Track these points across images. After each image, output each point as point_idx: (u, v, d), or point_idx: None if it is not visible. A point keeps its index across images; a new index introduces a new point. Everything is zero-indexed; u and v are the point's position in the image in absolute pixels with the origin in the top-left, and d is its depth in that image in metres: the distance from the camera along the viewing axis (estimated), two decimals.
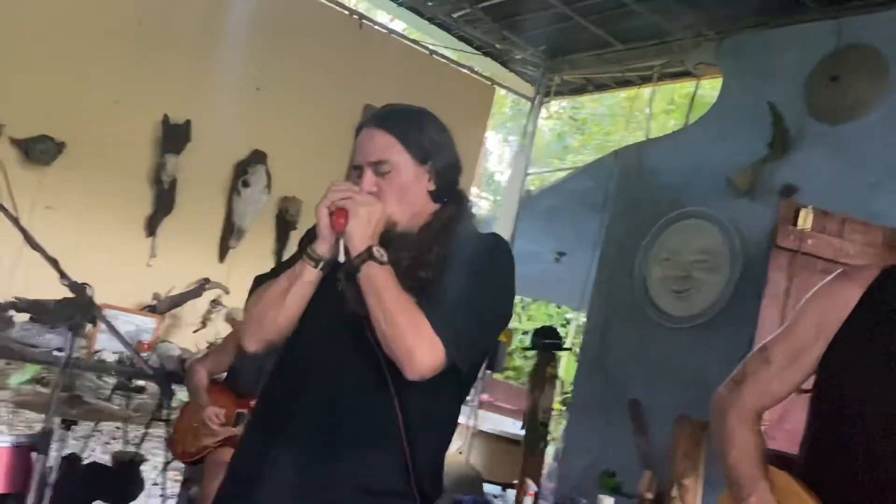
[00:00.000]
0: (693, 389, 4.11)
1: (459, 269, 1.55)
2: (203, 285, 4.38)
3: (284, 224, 4.91)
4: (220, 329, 4.40)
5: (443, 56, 5.71)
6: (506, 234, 5.44)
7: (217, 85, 4.58)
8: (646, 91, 5.77)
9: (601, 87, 6.23)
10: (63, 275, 2.07)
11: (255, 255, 4.89)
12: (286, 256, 5.39)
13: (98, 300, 4.20)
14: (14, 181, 4.11)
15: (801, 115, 4.09)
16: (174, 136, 4.43)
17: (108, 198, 4.37)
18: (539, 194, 5.96)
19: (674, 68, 5.29)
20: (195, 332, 4.43)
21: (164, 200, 4.47)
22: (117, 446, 5.12)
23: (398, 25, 6.18)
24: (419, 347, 1.46)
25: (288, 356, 1.65)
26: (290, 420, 1.56)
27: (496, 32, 5.57)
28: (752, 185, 4.21)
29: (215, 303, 4.41)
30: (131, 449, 4.14)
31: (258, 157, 4.76)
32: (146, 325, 3.92)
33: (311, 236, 1.78)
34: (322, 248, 1.54)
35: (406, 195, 1.58)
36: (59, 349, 3.57)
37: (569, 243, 6.07)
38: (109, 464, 3.79)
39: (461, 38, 5.77)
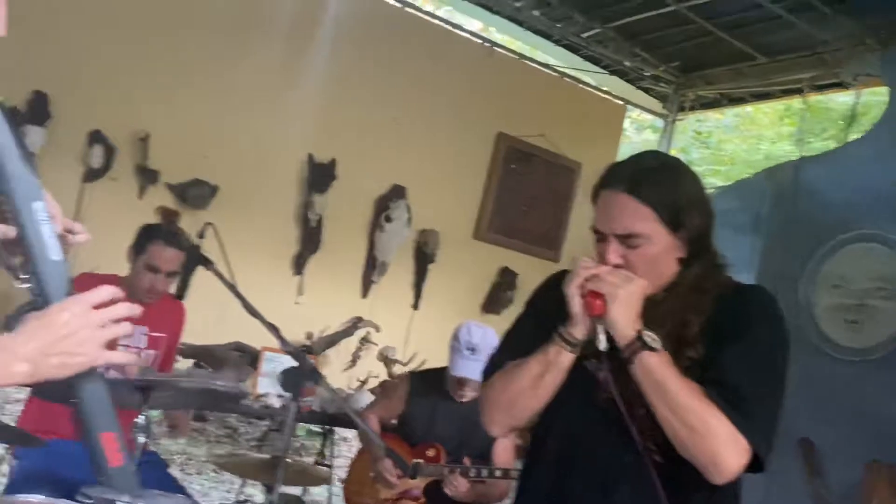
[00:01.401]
0: (869, 428, 3.81)
1: (731, 338, 1.40)
2: (356, 323, 4.37)
3: (423, 257, 4.87)
4: (371, 368, 4.37)
5: (573, 77, 5.57)
6: None
7: (358, 121, 4.59)
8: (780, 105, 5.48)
9: (737, 100, 5.97)
10: (283, 341, 2.03)
11: (396, 289, 4.87)
12: (424, 292, 5.23)
13: (256, 343, 4.25)
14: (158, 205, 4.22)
15: None
16: (319, 175, 4.45)
17: (257, 238, 4.41)
18: None
19: (825, 80, 4.99)
20: (345, 370, 4.42)
21: (310, 239, 4.49)
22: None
23: (494, 35, 6.05)
24: (724, 450, 1.32)
25: (547, 445, 1.54)
26: None
27: (626, 51, 5.40)
28: None
29: (365, 340, 4.39)
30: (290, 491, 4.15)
31: (398, 192, 4.73)
32: None
33: (542, 299, 1.63)
34: (579, 332, 1.41)
35: (655, 267, 1.43)
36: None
37: None
38: None
39: (587, 58, 5.63)
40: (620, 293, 1.36)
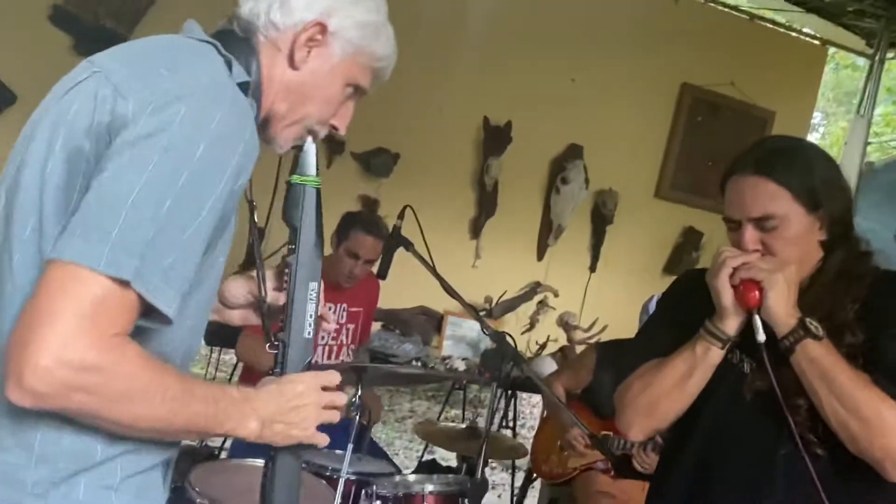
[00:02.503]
0: None
1: (892, 324, 1.31)
2: (535, 289, 4.36)
3: (601, 218, 4.74)
4: (549, 331, 4.35)
5: (763, 19, 5.11)
6: None
7: (533, 81, 4.49)
8: None
9: None
10: (484, 324, 2.04)
11: (572, 251, 4.79)
12: (602, 254, 5.06)
13: (437, 307, 4.36)
14: (358, 193, 4.38)
15: None
16: (495, 138, 4.42)
17: (435, 203, 4.44)
18: (883, 168, 5.18)
19: None
20: (523, 333, 4.43)
21: (486, 203, 4.50)
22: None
23: None
24: None
25: (688, 443, 1.48)
26: None
27: None
28: None
29: (543, 304, 4.38)
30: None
31: (575, 152, 4.61)
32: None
33: (673, 298, 1.59)
34: (731, 325, 1.35)
35: (796, 250, 1.34)
36: (417, 359, 3.74)
37: None
38: (454, 464, 3.93)
39: None
40: (778, 280, 1.30)
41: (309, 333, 1.11)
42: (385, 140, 4.30)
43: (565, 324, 4.09)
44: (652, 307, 3.03)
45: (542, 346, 4.27)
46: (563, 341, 4.27)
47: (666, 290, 1.67)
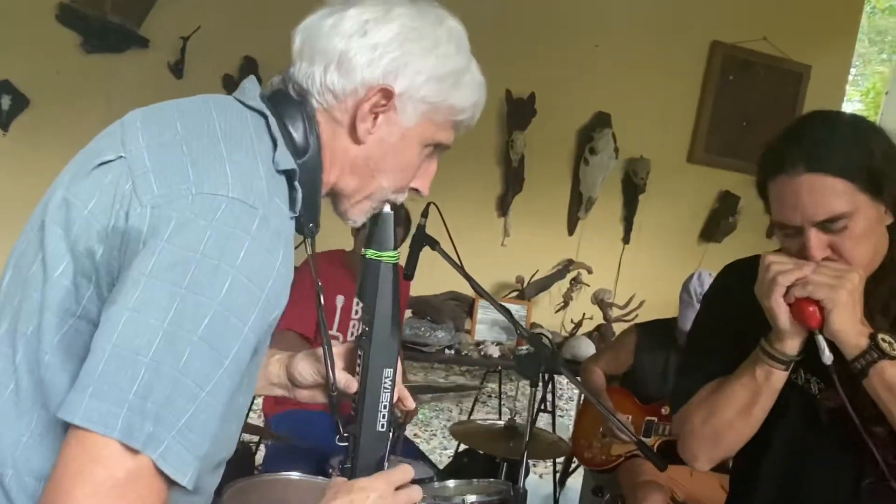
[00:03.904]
0: None
1: None
2: (567, 266, 4.24)
3: (633, 188, 4.57)
4: (584, 309, 4.24)
5: None
6: None
7: (555, 50, 4.31)
8: None
9: None
10: (517, 325, 1.94)
11: (604, 224, 4.64)
12: (635, 224, 4.91)
13: (468, 291, 4.24)
14: None
15: None
16: (519, 112, 4.26)
17: (461, 182, 4.31)
18: None
19: None
20: (557, 311, 4.33)
21: (513, 179, 4.36)
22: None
23: None
24: None
25: (759, 474, 1.38)
26: None
27: None
28: None
29: (576, 281, 4.25)
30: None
31: (602, 121, 4.43)
32: (519, 314, 3.87)
33: (718, 299, 1.46)
34: (791, 346, 1.22)
35: (870, 245, 1.20)
36: (449, 347, 3.66)
37: None
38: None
39: None
40: (841, 296, 1.15)
41: (383, 426, 1.02)
42: None
43: (600, 301, 3.97)
44: (694, 286, 2.90)
45: (578, 325, 4.17)
46: (598, 319, 4.16)
47: (710, 287, 1.53)
